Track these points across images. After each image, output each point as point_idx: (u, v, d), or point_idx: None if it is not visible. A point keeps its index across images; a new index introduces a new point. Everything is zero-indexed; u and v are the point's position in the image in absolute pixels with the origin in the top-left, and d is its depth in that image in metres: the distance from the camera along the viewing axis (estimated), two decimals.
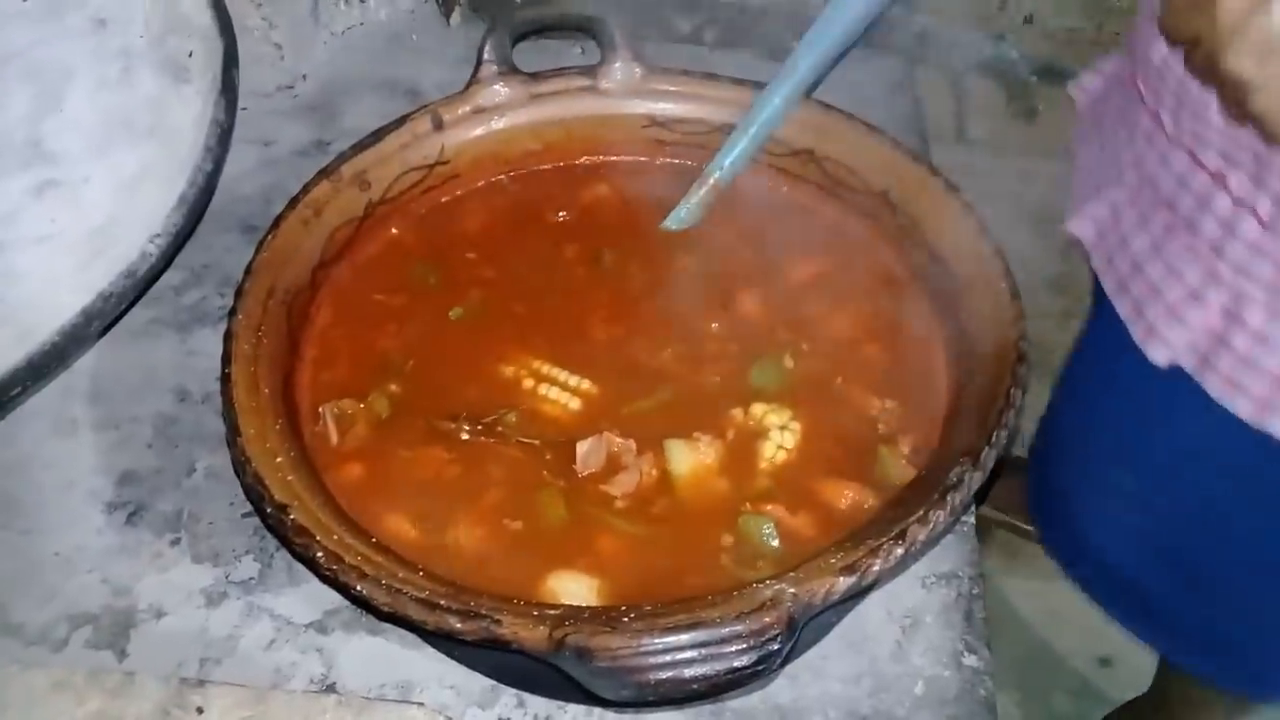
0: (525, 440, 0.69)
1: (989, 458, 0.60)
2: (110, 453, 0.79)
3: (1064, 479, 1.07)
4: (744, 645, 0.51)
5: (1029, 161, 1.41)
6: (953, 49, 1.06)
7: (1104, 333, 0.86)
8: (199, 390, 0.82)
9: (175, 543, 0.74)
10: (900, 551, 0.56)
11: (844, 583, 0.55)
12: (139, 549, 0.73)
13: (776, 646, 0.51)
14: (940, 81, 1.22)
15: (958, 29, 1.10)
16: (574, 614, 0.55)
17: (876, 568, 0.56)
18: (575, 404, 0.72)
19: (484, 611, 0.54)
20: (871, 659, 0.69)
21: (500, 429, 0.70)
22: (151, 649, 0.69)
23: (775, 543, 0.65)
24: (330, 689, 0.67)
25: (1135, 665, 1.36)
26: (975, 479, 0.59)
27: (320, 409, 0.70)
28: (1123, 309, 0.81)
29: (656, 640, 0.51)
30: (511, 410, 0.71)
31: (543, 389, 0.72)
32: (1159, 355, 0.77)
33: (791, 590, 0.54)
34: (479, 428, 0.69)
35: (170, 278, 0.88)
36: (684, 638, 0.51)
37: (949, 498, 0.58)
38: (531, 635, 0.53)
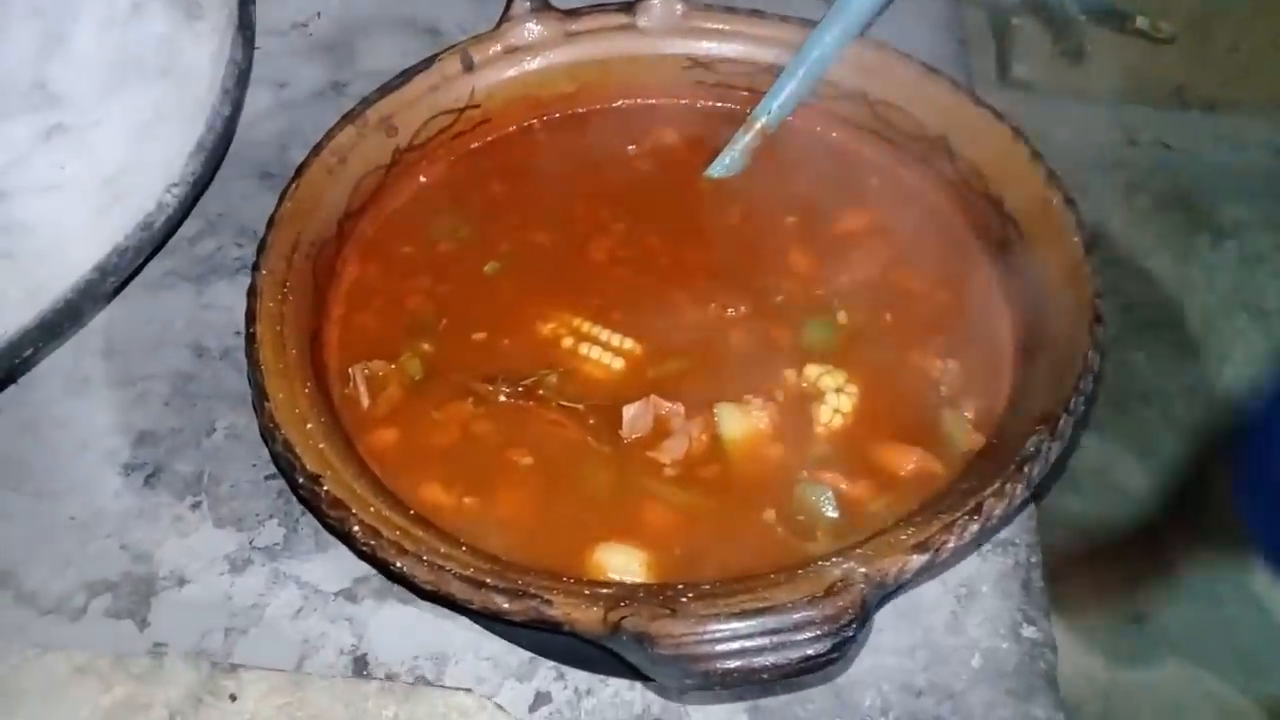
0: (567, 404, 0.66)
1: (1066, 425, 0.57)
2: (126, 411, 0.77)
3: None
4: (818, 632, 0.48)
5: (1075, 105, 1.37)
6: None
7: None
8: (217, 345, 0.80)
9: (196, 506, 0.72)
10: (976, 527, 0.53)
11: (917, 560, 0.52)
12: (158, 513, 0.72)
13: (851, 633, 0.48)
14: (983, 20, 1.18)
15: None
16: (629, 593, 0.52)
17: (951, 544, 0.53)
18: (618, 364, 0.69)
19: (533, 591, 0.52)
20: (926, 630, 0.67)
21: (540, 391, 0.67)
22: (174, 618, 0.67)
23: (834, 513, 0.62)
24: (361, 661, 0.65)
25: None
26: (1053, 449, 0.56)
27: (350, 370, 0.67)
28: None
29: (723, 626, 0.48)
30: (551, 371, 0.68)
31: (583, 348, 0.70)
32: None
33: (862, 570, 0.51)
34: (518, 390, 0.67)
35: (185, 228, 0.85)
36: (753, 624, 0.48)
37: (1026, 469, 0.55)
38: (585, 617, 0.51)
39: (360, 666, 0.65)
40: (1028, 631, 0.67)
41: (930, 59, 0.81)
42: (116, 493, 0.73)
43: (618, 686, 0.64)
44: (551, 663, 0.65)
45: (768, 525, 0.62)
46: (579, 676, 0.65)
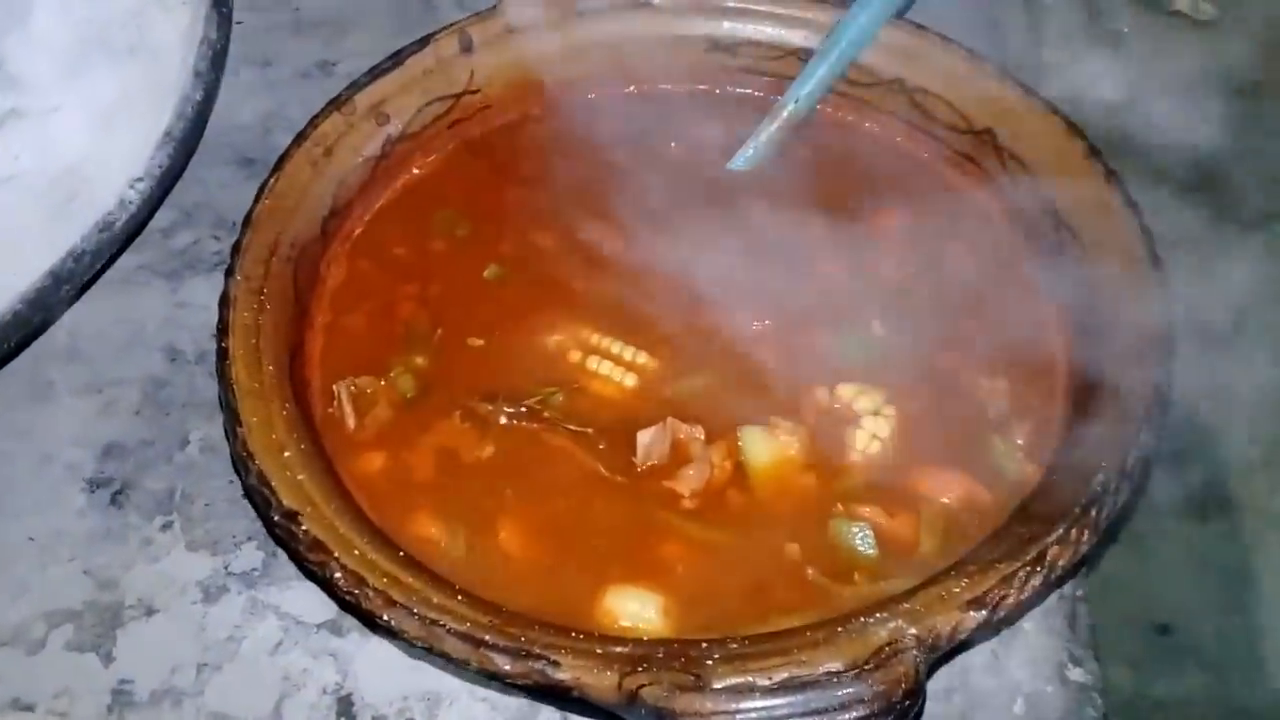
0: (575, 428, 0.62)
1: (1136, 466, 0.52)
2: (92, 421, 0.74)
3: None
4: (867, 711, 0.42)
5: (1111, 92, 1.33)
6: None
7: None
8: (192, 348, 0.77)
9: (167, 527, 0.69)
10: (1038, 580, 0.49)
11: (973, 618, 0.48)
12: (126, 534, 0.69)
13: (904, 713, 0.42)
14: (1016, 2, 1.14)
15: None
16: (647, 654, 0.47)
17: (1011, 599, 0.49)
18: (631, 381, 0.65)
19: (538, 650, 0.47)
20: (964, 671, 0.63)
21: (545, 413, 0.63)
22: (141, 652, 0.64)
23: (872, 551, 0.58)
24: (346, 701, 0.62)
25: None
26: (1123, 490, 0.51)
27: (335, 387, 0.64)
28: None
29: (758, 705, 0.43)
30: (558, 389, 0.64)
31: (593, 363, 0.66)
32: None
33: (912, 631, 0.46)
34: (521, 410, 0.63)
35: (158, 218, 0.82)
36: (793, 701, 0.43)
37: (1092, 514, 0.50)
38: (597, 682, 0.46)
39: (345, 708, 0.62)
40: (1074, 674, 0.64)
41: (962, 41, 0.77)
42: (80, 511, 0.70)
43: None
44: (552, 707, 0.61)
45: (798, 565, 0.58)
46: None
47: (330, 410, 0.64)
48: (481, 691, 0.62)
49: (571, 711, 0.61)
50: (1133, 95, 1.49)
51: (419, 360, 0.67)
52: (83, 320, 0.78)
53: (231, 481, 0.70)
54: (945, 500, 0.60)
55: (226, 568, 0.67)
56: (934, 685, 0.62)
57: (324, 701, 0.62)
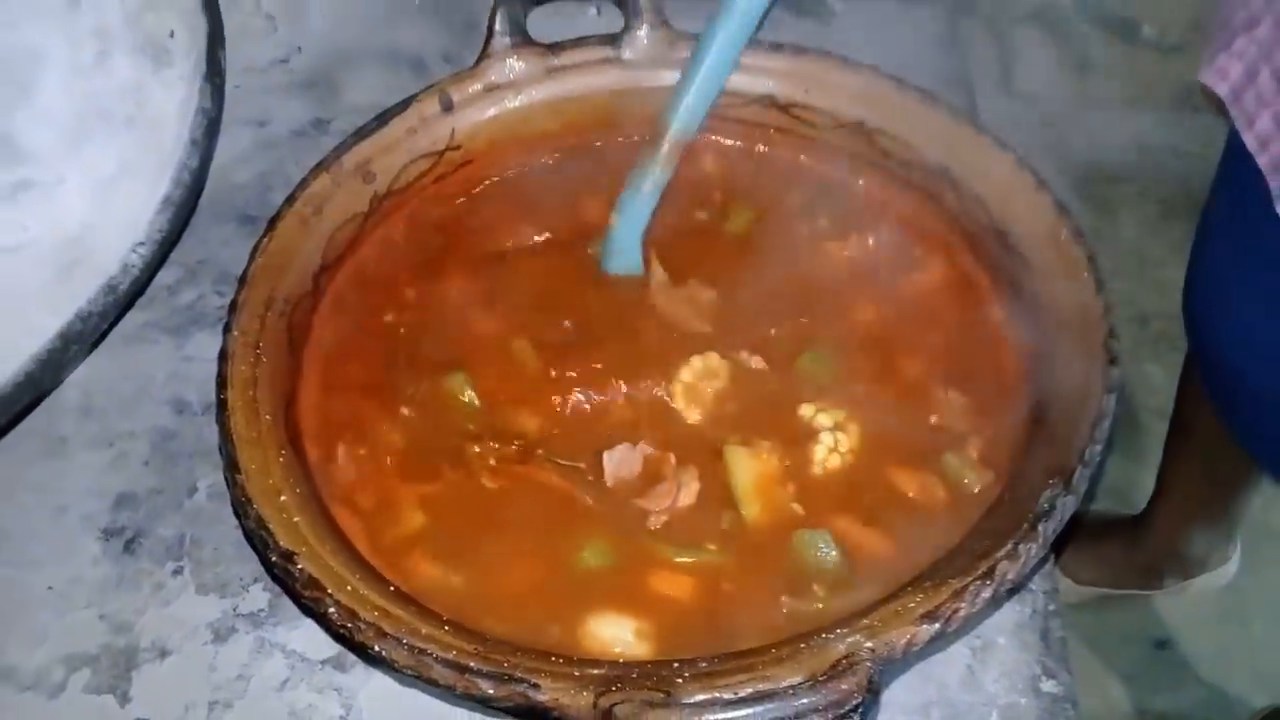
0: (565, 463, 0.64)
1: (1082, 479, 0.55)
2: (104, 473, 0.75)
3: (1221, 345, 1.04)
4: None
5: (1078, 113, 1.35)
6: None
7: (1240, 184, 0.87)
8: (198, 400, 0.78)
9: (178, 572, 0.70)
10: (988, 593, 0.51)
11: (926, 631, 0.50)
12: (139, 580, 0.70)
13: (857, 718, 0.45)
14: (987, 32, 1.16)
15: None
16: (621, 674, 0.49)
17: (963, 612, 0.51)
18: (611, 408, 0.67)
19: (519, 675, 0.49)
20: (940, 686, 0.64)
21: (539, 451, 0.65)
22: (156, 692, 0.66)
23: (835, 562, 0.60)
24: None
25: None
26: (1069, 504, 0.54)
27: (337, 447, 0.66)
28: (1262, 163, 0.81)
29: (722, 716, 0.45)
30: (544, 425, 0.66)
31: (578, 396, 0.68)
32: None
33: (868, 644, 0.49)
34: (510, 451, 0.65)
35: (163, 276, 0.84)
36: (751, 711, 0.45)
37: (1040, 527, 0.53)
38: (574, 703, 0.48)
39: None
40: (1048, 686, 0.65)
41: (931, 72, 0.80)
42: (95, 560, 0.71)
43: None
44: None
45: (769, 579, 0.60)
46: None
47: (328, 461, 0.65)
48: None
49: None
50: (1104, 117, 1.51)
51: (405, 411, 0.68)
52: (93, 376, 0.79)
53: (238, 527, 0.70)
54: (905, 508, 0.62)
55: (235, 609, 0.68)
56: (912, 700, 0.64)
57: None
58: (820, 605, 0.58)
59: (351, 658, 0.66)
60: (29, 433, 0.76)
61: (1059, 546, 1.44)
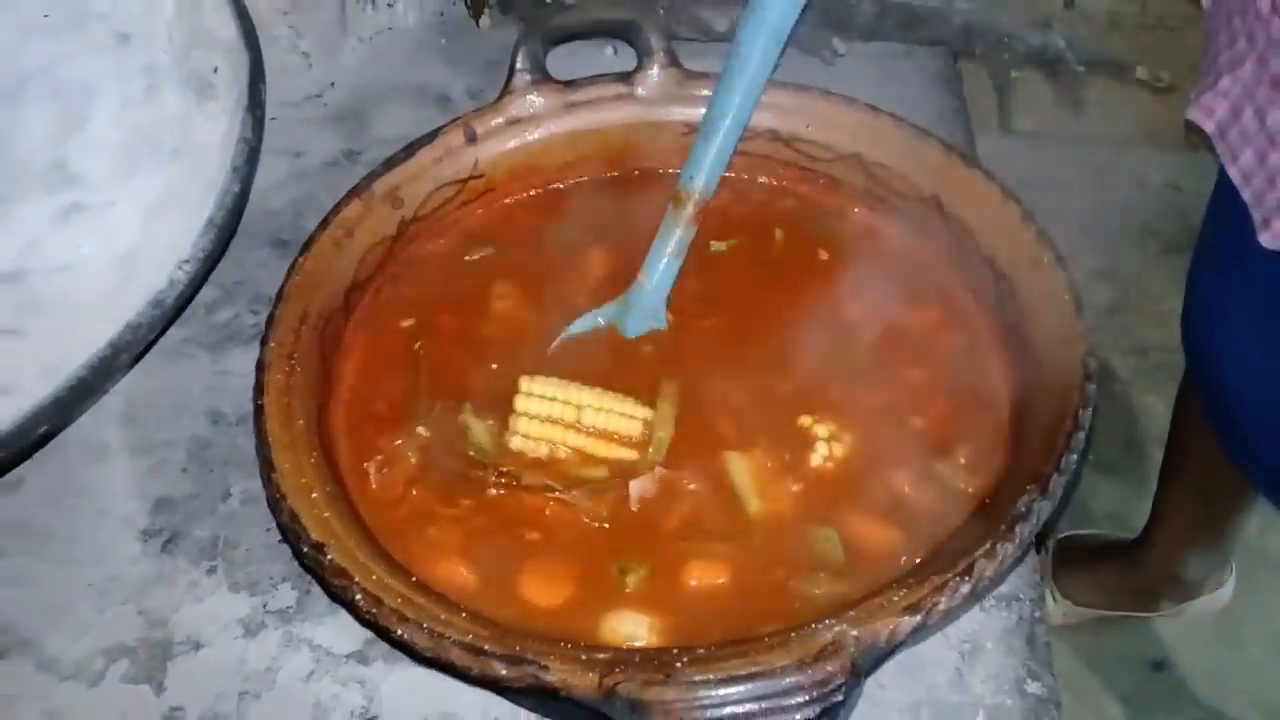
0: (559, 493, 0.67)
1: (1058, 485, 0.58)
2: (144, 478, 0.78)
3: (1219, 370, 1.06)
4: (806, 697, 0.49)
5: (1077, 152, 1.38)
6: (998, 40, 1.03)
7: (1228, 216, 0.90)
8: (233, 411, 0.82)
9: (211, 571, 0.73)
10: (967, 588, 0.54)
11: (908, 622, 0.53)
12: (175, 578, 0.73)
13: (840, 697, 0.49)
14: (985, 73, 1.20)
15: (1001, 19, 1.07)
16: (624, 658, 0.53)
17: (942, 605, 0.54)
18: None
19: (530, 657, 0.53)
20: (930, 687, 0.67)
21: (538, 482, 0.68)
22: (189, 683, 0.68)
23: (839, 554, 0.63)
24: None
25: None
26: (1044, 508, 0.57)
27: (365, 465, 0.69)
28: (1246, 196, 0.84)
29: (714, 692, 0.49)
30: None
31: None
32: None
33: (854, 633, 0.52)
34: (506, 478, 0.68)
35: (202, 295, 0.87)
36: (742, 689, 0.49)
37: (1017, 529, 0.56)
38: (581, 683, 0.52)
39: None
40: (1032, 687, 0.67)
41: (931, 111, 0.83)
42: (134, 559, 0.74)
43: None
44: None
45: (774, 572, 0.63)
46: None
47: (359, 468, 0.68)
48: (494, 710, 0.66)
49: None
50: (1106, 156, 1.54)
51: (421, 430, 0.70)
52: (135, 388, 0.82)
53: (268, 529, 0.74)
54: (898, 507, 0.65)
55: (264, 606, 0.71)
56: (903, 700, 0.66)
57: None
58: (821, 591, 0.61)
59: (374, 653, 0.69)
60: (75, 440, 0.79)
61: (1058, 567, 1.46)
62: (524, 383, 0.70)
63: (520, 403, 0.70)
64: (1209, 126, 0.89)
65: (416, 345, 0.75)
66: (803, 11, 0.72)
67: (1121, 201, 1.60)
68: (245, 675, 0.68)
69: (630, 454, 0.69)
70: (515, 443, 0.69)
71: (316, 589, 0.72)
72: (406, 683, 0.68)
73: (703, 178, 0.76)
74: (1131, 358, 1.61)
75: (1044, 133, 1.35)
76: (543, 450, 0.69)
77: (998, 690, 0.67)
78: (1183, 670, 1.44)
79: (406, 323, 0.77)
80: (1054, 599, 1.50)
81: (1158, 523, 1.40)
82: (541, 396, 0.69)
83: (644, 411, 0.70)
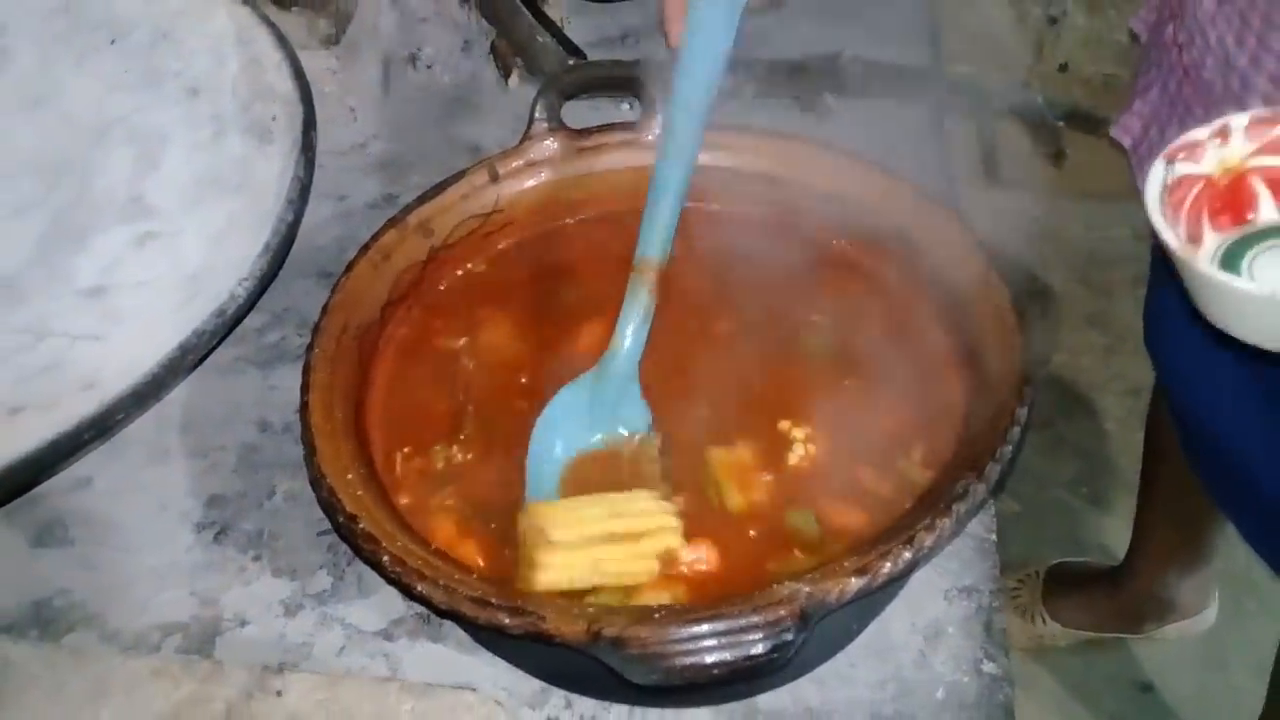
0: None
1: (992, 471, 0.65)
2: (199, 478, 0.84)
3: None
4: (760, 635, 0.56)
5: (1060, 203, 1.44)
6: (981, 97, 1.10)
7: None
8: (279, 421, 0.88)
9: (257, 559, 0.79)
10: (908, 555, 0.61)
11: (855, 583, 0.60)
12: (224, 564, 0.78)
13: (790, 637, 0.56)
14: (969, 128, 1.26)
15: (990, 78, 1.14)
16: (611, 611, 0.60)
17: (886, 569, 0.60)
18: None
19: (529, 609, 0.60)
20: (896, 666, 0.73)
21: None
22: (235, 654, 0.73)
23: (815, 531, 0.70)
24: None
25: None
26: (979, 490, 0.64)
27: (394, 453, 0.75)
28: None
29: (681, 630, 0.56)
30: None
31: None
32: None
33: (807, 590, 0.59)
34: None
35: (253, 320, 0.93)
36: (705, 628, 0.56)
37: (954, 507, 0.63)
38: (571, 629, 0.59)
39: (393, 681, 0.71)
40: (988, 667, 0.73)
41: (917, 162, 0.88)
42: (189, 548, 0.79)
43: (619, 713, 0.71)
44: (561, 692, 0.72)
45: (754, 555, 0.70)
46: (585, 704, 0.72)
47: (388, 461, 0.74)
48: (504, 680, 0.72)
49: (574, 692, 0.72)
50: (1102, 206, 1.58)
51: (453, 451, 0.75)
52: (193, 400, 0.89)
53: (308, 524, 0.80)
54: (862, 498, 0.71)
55: (303, 590, 0.76)
56: (870, 677, 0.72)
57: None
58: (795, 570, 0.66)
59: (398, 630, 0.75)
60: (139, 442, 0.86)
61: (1048, 592, 1.49)
62: (523, 520, 0.70)
63: (529, 543, 0.68)
64: (1126, 142, 0.95)
65: (439, 355, 0.81)
66: (715, 92, 0.74)
67: (1114, 251, 1.65)
68: (284, 649, 0.74)
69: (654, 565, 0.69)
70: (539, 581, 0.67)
71: (349, 576, 0.78)
72: (426, 657, 0.74)
73: (657, 248, 0.76)
74: (1126, 398, 1.67)
75: (1031, 183, 1.41)
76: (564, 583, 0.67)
77: (956, 669, 0.72)
78: (1169, 693, 1.45)
79: (432, 342, 0.83)
80: (1044, 621, 1.54)
81: (1138, 545, 1.43)
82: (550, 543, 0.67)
83: (655, 521, 0.70)
